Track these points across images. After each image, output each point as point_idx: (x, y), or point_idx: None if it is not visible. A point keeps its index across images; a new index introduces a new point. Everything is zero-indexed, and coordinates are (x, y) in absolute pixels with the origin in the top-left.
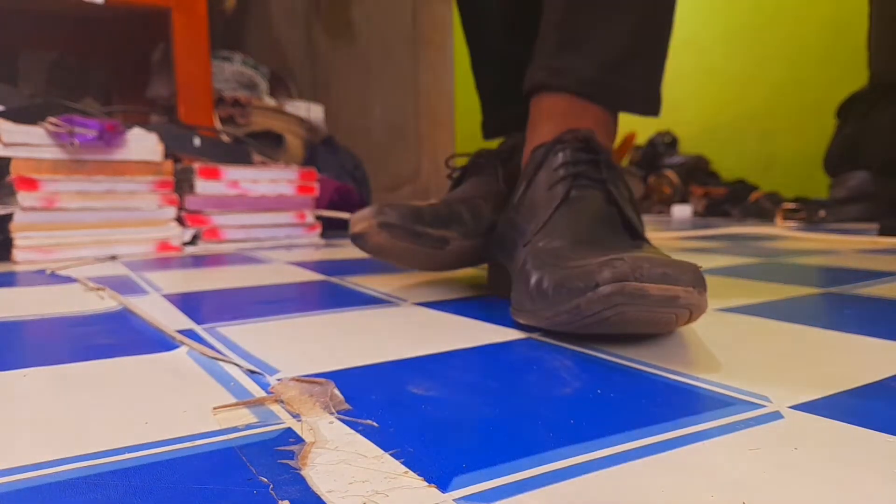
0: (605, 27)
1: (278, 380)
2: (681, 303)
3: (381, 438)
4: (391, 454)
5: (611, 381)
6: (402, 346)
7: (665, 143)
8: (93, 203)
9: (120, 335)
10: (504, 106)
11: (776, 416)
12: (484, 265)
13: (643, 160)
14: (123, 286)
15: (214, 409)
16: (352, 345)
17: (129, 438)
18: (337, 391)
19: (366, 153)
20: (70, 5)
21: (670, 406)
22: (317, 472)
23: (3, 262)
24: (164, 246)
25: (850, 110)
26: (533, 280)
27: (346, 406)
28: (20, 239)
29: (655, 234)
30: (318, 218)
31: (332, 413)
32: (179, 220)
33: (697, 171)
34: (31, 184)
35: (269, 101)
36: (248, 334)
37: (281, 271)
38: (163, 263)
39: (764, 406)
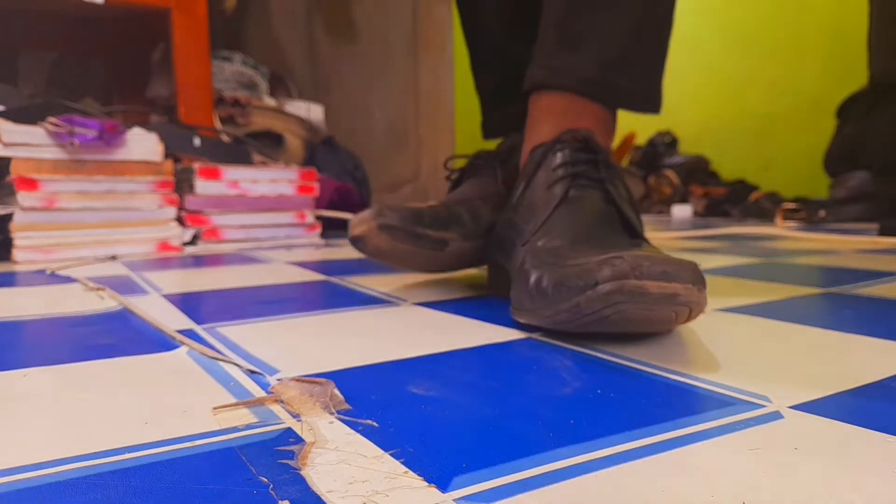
0: (604, 25)
1: (278, 380)
2: (680, 300)
3: (381, 438)
4: (391, 454)
5: (611, 381)
6: (402, 346)
7: (665, 143)
8: (93, 203)
9: (120, 335)
10: (503, 106)
11: (776, 416)
12: (484, 266)
13: (643, 160)
14: (123, 286)
15: (214, 409)
16: (352, 345)
17: (129, 438)
18: (337, 391)
19: (366, 153)
20: (70, 5)
21: (670, 406)
22: (317, 472)
23: (3, 262)
24: (164, 246)
25: (850, 110)
26: (532, 279)
27: (346, 406)
28: (20, 239)
29: (655, 234)
30: (318, 218)
31: (332, 413)
32: (179, 220)
33: (697, 171)
34: (31, 184)
35: (269, 101)
36: (248, 334)
37: (281, 271)
38: (163, 263)
39: (764, 406)
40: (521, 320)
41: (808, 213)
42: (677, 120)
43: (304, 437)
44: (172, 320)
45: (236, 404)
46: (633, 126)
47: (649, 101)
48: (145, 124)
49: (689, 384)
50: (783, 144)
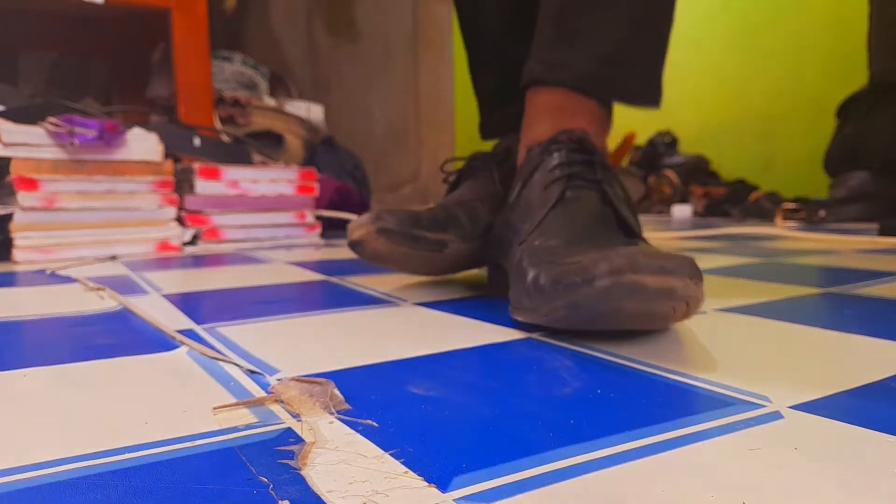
0: (602, 21)
1: (278, 380)
2: (678, 294)
3: (381, 438)
4: (391, 454)
5: (611, 381)
6: (402, 346)
7: (665, 143)
8: (93, 203)
9: (120, 335)
10: (502, 106)
11: (776, 416)
12: (483, 266)
13: (643, 160)
14: (123, 286)
15: (214, 409)
16: (352, 345)
17: (129, 438)
18: (337, 391)
19: (366, 153)
20: (70, 5)
21: (670, 406)
22: (317, 472)
23: (3, 262)
24: (164, 246)
25: (850, 110)
26: (529, 277)
27: (346, 406)
28: (20, 239)
29: (655, 234)
30: (318, 218)
31: (332, 413)
32: (179, 220)
33: (697, 171)
34: (31, 184)
35: (269, 101)
36: (248, 334)
37: (281, 271)
38: (163, 263)
39: (764, 406)
40: (520, 318)
41: (808, 213)
42: (677, 120)
43: (304, 437)
44: (172, 320)
45: (236, 404)
46: (633, 126)
47: (648, 97)
48: (145, 124)
49: (689, 384)
50: (783, 144)
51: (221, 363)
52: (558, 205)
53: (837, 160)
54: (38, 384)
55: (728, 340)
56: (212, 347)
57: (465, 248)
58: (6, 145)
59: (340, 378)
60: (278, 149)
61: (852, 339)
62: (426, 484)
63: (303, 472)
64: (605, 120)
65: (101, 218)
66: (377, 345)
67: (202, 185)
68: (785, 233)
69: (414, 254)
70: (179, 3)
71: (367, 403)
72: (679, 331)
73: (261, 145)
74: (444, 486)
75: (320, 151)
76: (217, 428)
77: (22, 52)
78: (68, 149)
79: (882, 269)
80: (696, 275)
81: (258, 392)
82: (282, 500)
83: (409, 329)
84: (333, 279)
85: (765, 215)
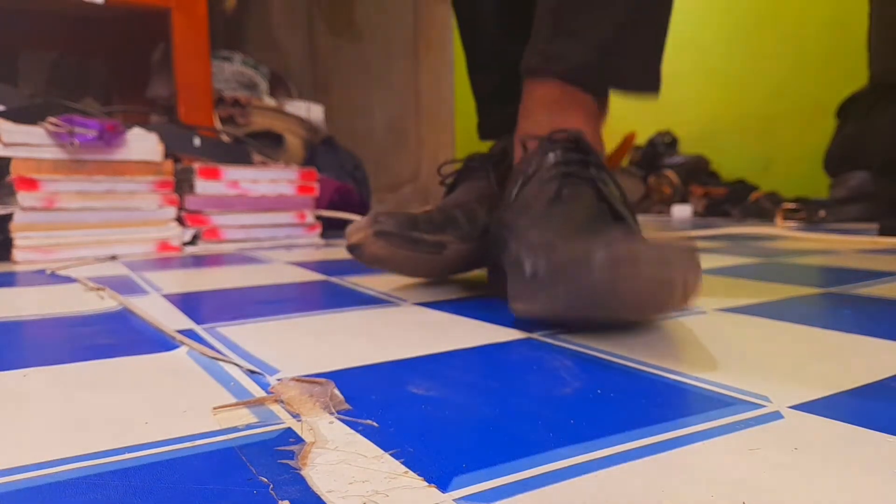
0: (599, 11)
1: (278, 380)
2: (675, 277)
3: (381, 438)
4: (391, 454)
5: (610, 381)
6: (402, 346)
7: (665, 143)
8: (93, 203)
9: (120, 335)
10: (499, 107)
11: (776, 416)
12: (483, 267)
13: (643, 160)
14: (123, 286)
15: (214, 409)
16: (352, 345)
17: (129, 438)
18: (337, 391)
19: (366, 154)
20: (70, 5)
21: (670, 406)
22: (317, 472)
23: (3, 262)
24: (164, 246)
25: (850, 110)
26: (528, 266)
27: (346, 406)
28: (20, 239)
29: (655, 235)
30: (318, 218)
31: (332, 413)
32: (179, 220)
33: (697, 171)
34: (31, 184)
35: (269, 101)
36: (248, 334)
37: (281, 271)
38: (163, 263)
39: (764, 406)
40: (519, 309)
41: (808, 213)
42: (677, 120)
43: (304, 437)
44: (172, 320)
45: (236, 404)
46: (633, 126)
47: (647, 84)
48: (145, 124)
49: (689, 384)
50: (783, 144)
51: (221, 363)
52: (554, 202)
53: (837, 160)
54: (38, 384)
55: (728, 340)
56: (212, 347)
57: (464, 249)
58: (6, 145)
59: (340, 378)
60: (278, 149)
61: (852, 339)
62: (426, 484)
63: (303, 472)
64: (601, 113)
65: (101, 218)
66: (377, 345)
67: (202, 185)
68: (785, 233)
69: (413, 256)
70: (179, 3)
71: (367, 403)
72: (679, 331)
73: (261, 145)
74: (444, 486)
75: (320, 151)
76: (217, 428)
77: (22, 52)
78: (68, 149)
79: (882, 269)
80: (693, 257)
81: (258, 392)
82: (282, 500)
83: (409, 329)
84: (333, 279)
85: (765, 215)
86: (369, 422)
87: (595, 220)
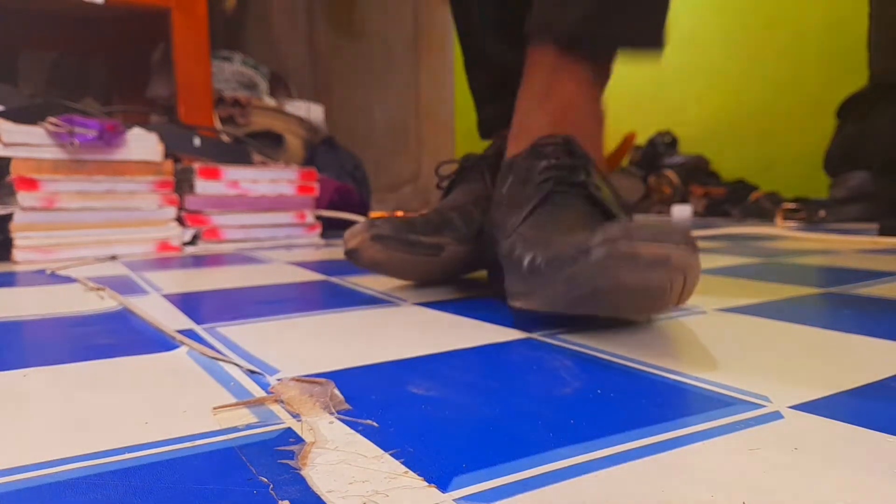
0: None
1: (278, 380)
2: (673, 263)
3: (381, 438)
4: (391, 454)
5: (610, 381)
6: (402, 346)
7: (665, 143)
8: (93, 203)
9: (120, 335)
10: (494, 104)
11: (776, 416)
12: (482, 269)
13: (643, 160)
14: (123, 286)
15: (214, 409)
16: (352, 345)
17: (129, 438)
18: (337, 391)
19: (366, 153)
20: (70, 5)
21: (670, 406)
22: (317, 472)
23: (3, 262)
24: (164, 246)
25: (850, 110)
26: (526, 260)
27: (346, 406)
28: (20, 239)
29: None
30: (318, 218)
31: (332, 413)
32: (179, 220)
33: (697, 171)
34: (31, 184)
35: (269, 101)
36: (248, 334)
37: (281, 271)
38: (163, 263)
39: (764, 406)
40: (518, 305)
41: (808, 213)
42: (677, 120)
43: (304, 437)
44: (172, 320)
45: (236, 404)
46: (633, 126)
47: (650, 41)
48: (145, 124)
49: (689, 384)
50: (783, 144)
51: (221, 363)
52: (546, 202)
53: (837, 160)
54: (38, 384)
55: (728, 340)
56: (212, 347)
57: (461, 251)
58: (6, 145)
59: (340, 378)
60: (278, 149)
61: (852, 339)
62: (426, 484)
63: (303, 472)
64: (599, 79)
65: (101, 218)
66: (377, 345)
67: (202, 185)
68: (785, 233)
69: (410, 259)
70: (179, 3)
71: (367, 403)
72: (679, 331)
73: (261, 145)
74: (444, 486)
75: (320, 151)
76: (217, 428)
77: (22, 52)
78: (68, 149)
79: (882, 269)
80: (691, 243)
81: (258, 392)
82: (282, 500)
83: (409, 329)
84: (333, 279)
85: (765, 215)
86: (369, 422)
87: (589, 217)
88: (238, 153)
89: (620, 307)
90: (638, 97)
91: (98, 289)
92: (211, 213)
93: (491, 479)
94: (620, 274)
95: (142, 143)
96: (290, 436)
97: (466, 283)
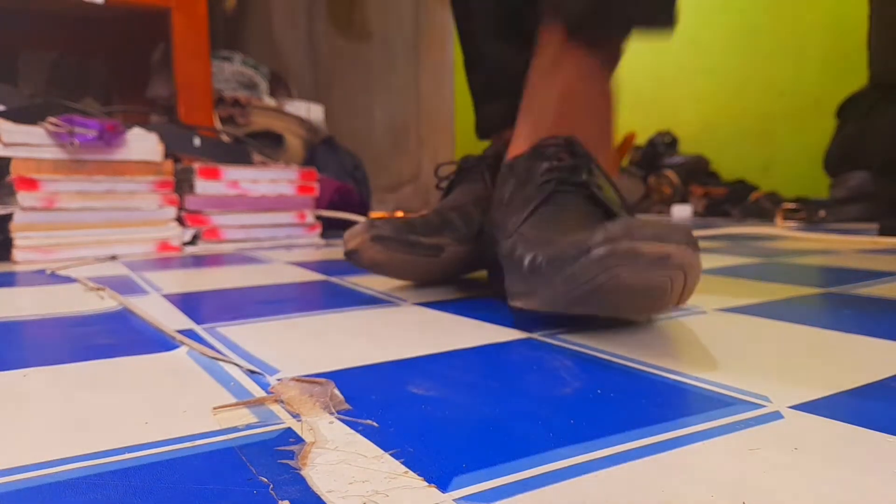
0: None
1: (278, 380)
2: (674, 261)
3: (381, 438)
4: (391, 454)
5: (610, 381)
6: (402, 346)
7: (665, 143)
8: (93, 203)
9: (120, 335)
10: (494, 105)
11: (776, 416)
12: (482, 269)
13: (643, 160)
14: (123, 286)
15: (214, 409)
16: (352, 345)
17: (129, 438)
18: (337, 391)
19: (366, 153)
20: (70, 5)
21: (670, 406)
22: (317, 472)
23: (3, 262)
24: (164, 246)
25: (850, 110)
26: (527, 260)
27: (346, 406)
28: (20, 239)
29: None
30: (318, 218)
31: (332, 413)
32: (179, 220)
33: (697, 171)
34: (31, 184)
35: (269, 101)
36: (248, 334)
37: (281, 271)
38: (163, 263)
39: (764, 406)
40: (519, 306)
41: (808, 213)
42: (677, 120)
43: (304, 437)
44: (172, 320)
45: (236, 404)
46: (633, 126)
47: (660, 19)
48: (145, 124)
49: (689, 384)
50: (783, 144)
51: (221, 363)
52: (548, 202)
53: (837, 160)
54: (38, 384)
55: (728, 340)
56: (212, 347)
57: (461, 251)
58: (6, 145)
59: (340, 378)
60: (278, 149)
61: (852, 339)
62: (426, 484)
63: (303, 472)
64: (607, 63)
65: (101, 218)
66: (377, 345)
67: (202, 185)
68: (785, 233)
69: (411, 260)
70: (179, 3)
71: (367, 403)
72: (679, 331)
73: (261, 145)
74: (444, 486)
75: (320, 151)
76: (217, 428)
77: (22, 52)
78: (68, 149)
79: (882, 269)
80: (692, 241)
81: (258, 392)
82: (282, 500)
83: (409, 329)
84: (333, 279)
85: (765, 215)
86: (369, 422)
87: (590, 217)
88: (238, 153)
89: (621, 307)
90: (638, 97)
91: (98, 289)
92: (211, 213)
93: (491, 479)
94: (621, 273)
95: (142, 143)
96: (290, 436)
97: (466, 283)
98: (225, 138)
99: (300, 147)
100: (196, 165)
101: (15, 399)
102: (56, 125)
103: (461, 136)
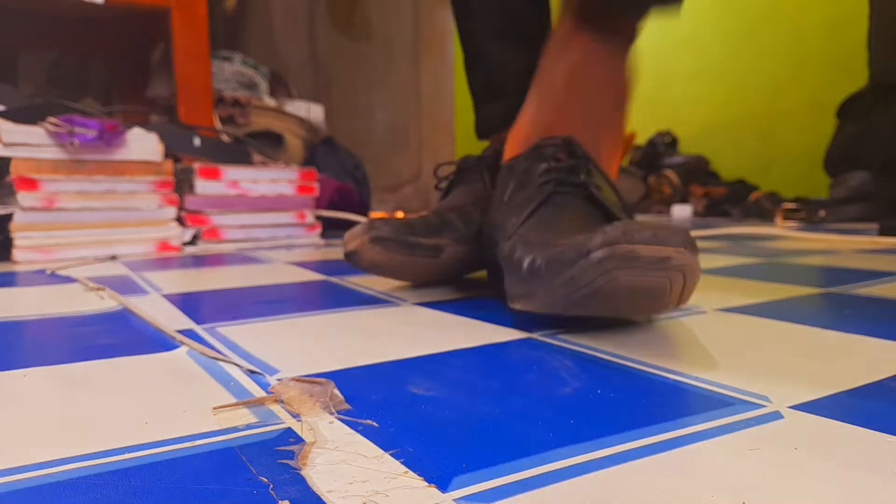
0: None
1: (278, 380)
2: (673, 263)
3: (381, 438)
4: (391, 454)
5: (610, 381)
6: (402, 346)
7: (665, 143)
8: (93, 203)
9: (120, 335)
10: (494, 105)
11: (776, 416)
12: (482, 269)
13: (643, 160)
14: (123, 286)
15: (214, 409)
16: (352, 345)
17: (129, 438)
18: (337, 391)
19: (366, 153)
20: (70, 5)
21: (670, 406)
22: (317, 472)
23: (3, 262)
24: (164, 246)
25: (850, 110)
26: (526, 262)
27: (346, 406)
28: (20, 239)
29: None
30: (318, 218)
31: (332, 413)
32: (179, 220)
33: (697, 171)
34: (31, 184)
35: (269, 101)
36: (248, 334)
37: (281, 271)
38: (163, 263)
39: (764, 406)
40: (518, 308)
41: (808, 213)
42: (677, 120)
43: (304, 437)
44: (172, 320)
45: (236, 404)
46: (633, 126)
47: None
48: (145, 124)
49: (689, 384)
50: (783, 144)
51: (221, 363)
52: (547, 203)
53: (837, 160)
54: (38, 384)
55: (728, 340)
56: (212, 347)
57: (461, 252)
58: (6, 145)
59: (340, 378)
60: (278, 149)
61: (852, 339)
62: (426, 484)
63: (303, 472)
64: (616, 51)
65: (101, 218)
66: (377, 345)
67: (202, 185)
68: (785, 233)
69: (410, 260)
70: (179, 3)
71: (367, 403)
72: (679, 331)
73: (261, 145)
74: (444, 486)
75: (320, 151)
76: (217, 428)
77: (22, 52)
78: (68, 149)
79: (882, 269)
80: (691, 244)
81: (258, 392)
82: (282, 500)
83: (409, 329)
84: (333, 279)
85: (765, 215)
86: (369, 422)
87: (590, 218)
88: (238, 153)
89: (620, 309)
90: (638, 97)
91: (98, 289)
92: (211, 213)
93: (491, 479)
94: (620, 275)
95: (142, 143)
96: (290, 436)
97: (466, 283)
98: (225, 138)
99: (300, 147)
100: (196, 165)
101: (15, 399)
102: (56, 125)
103: (461, 136)
